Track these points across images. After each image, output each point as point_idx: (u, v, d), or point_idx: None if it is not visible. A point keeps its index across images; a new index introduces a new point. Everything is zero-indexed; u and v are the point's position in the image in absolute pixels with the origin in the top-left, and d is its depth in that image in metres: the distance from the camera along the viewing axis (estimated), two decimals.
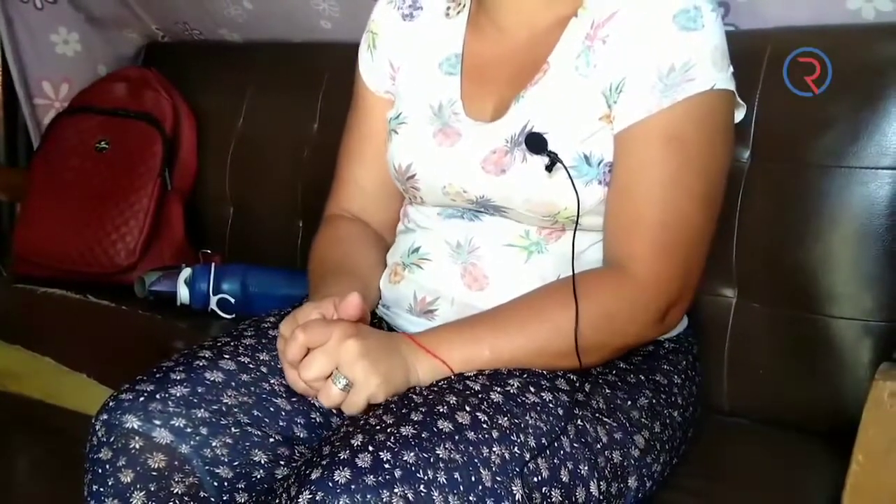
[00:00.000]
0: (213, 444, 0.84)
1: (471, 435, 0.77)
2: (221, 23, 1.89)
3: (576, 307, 0.86)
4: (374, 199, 1.13)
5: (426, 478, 0.72)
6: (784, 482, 1.03)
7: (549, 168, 0.90)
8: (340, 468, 0.71)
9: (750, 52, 1.17)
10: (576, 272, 0.90)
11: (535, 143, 0.91)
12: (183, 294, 1.58)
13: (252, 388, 0.89)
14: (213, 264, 1.61)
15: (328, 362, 0.82)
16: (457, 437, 0.76)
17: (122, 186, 1.75)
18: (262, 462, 0.86)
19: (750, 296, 1.21)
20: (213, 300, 1.56)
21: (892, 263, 1.11)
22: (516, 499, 0.76)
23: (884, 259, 1.11)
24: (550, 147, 0.90)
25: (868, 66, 1.15)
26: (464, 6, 1.06)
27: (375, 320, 1.05)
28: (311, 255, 1.09)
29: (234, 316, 1.55)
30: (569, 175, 0.90)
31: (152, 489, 0.82)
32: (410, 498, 0.70)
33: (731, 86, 0.93)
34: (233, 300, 1.56)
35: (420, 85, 1.06)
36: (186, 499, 0.83)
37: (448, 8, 1.08)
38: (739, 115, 0.99)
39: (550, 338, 0.87)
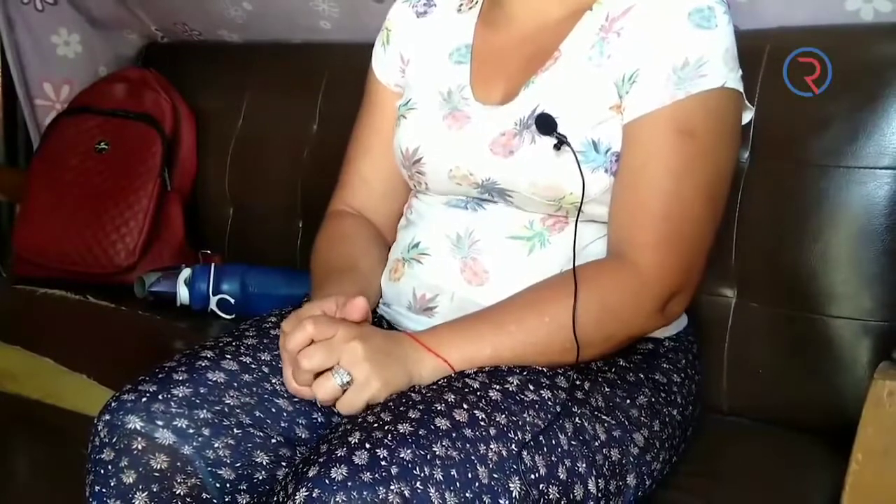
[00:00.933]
0: (216, 445, 0.84)
1: (468, 432, 0.77)
2: (221, 24, 1.88)
3: (574, 298, 0.87)
4: (378, 195, 1.13)
5: (423, 475, 0.72)
6: (783, 481, 1.03)
7: (557, 147, 0.90)
8: (337, 465, 0.71)
9: (749, 52, 1.16)
10: (578, 265, 0.90)
11: (545, 123, 0.91)
12: (183, 294, 1.58)
13: (254, 389, 0.89)
14: (212, 265, 1.61)
15: (329, 357, 0.82)
16: (454, 435, 0.76)
17: (121, 187, 1.75)
18: (264, 463, 0.86)
19: (749, 295, 1.21)
20: (213, 301, 1.56)
21: (890, 263, 1.11)
22: (514, 496, 0.76)
23: (883, 259, 1.11)
24: (559, 129, 0.91)
25: (867, 66, 1.15)
26: (476, 2, 1.08)
27: (375, 318, 1.05)
28: (314, 251, 1.09)
29: (233, 316, 1.55)
30: (575, 157, 0.90)
31: (154, 490, 0.83)
32: (407, 495, 0.71)
33: (740, 87, 0.94)
34: (232, 300, 1.56)
35: (430, 74, 1.07)
36: (189, 500, 0.83)
37: (461, 4, 1.09)
38: (747, 117, 0.99)
39: (552, 333, 0.88)
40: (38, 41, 1.96)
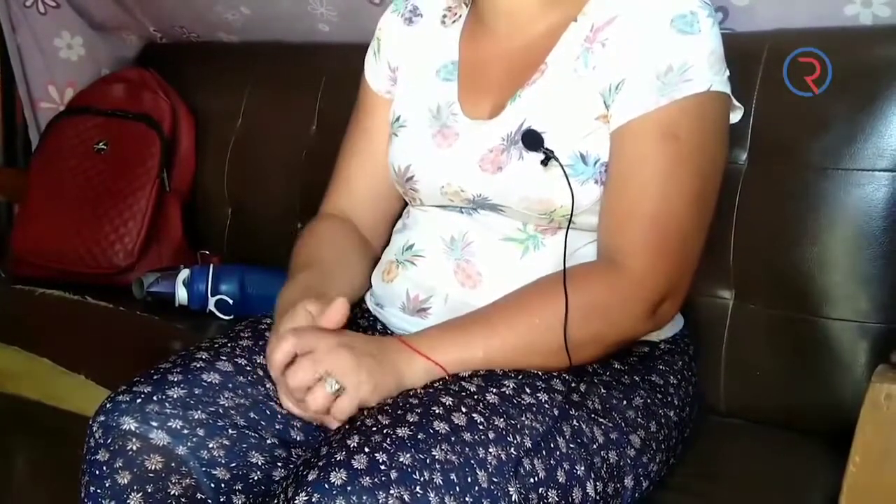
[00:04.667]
0: (210, 445, 0.84)
1: (467, 436, 0.77)
2: (219, 27, 1.89)
3: (566, 303, 0.87)
4: (363, 198, 1.13)
5: (422, 479, 0.72)
6: (781, 483, 1.03)
7: (544, 162, 0.91)
8: (337, 469, 0.71)
9: (747, 54, 1.17)
10: (569, 266, 0.90)
11: (531, 139, 0.92)
12: (181, 295, 1.58)
13: (249, 391, 0.89)
14: (211, 265, 1.61)
15: (314, 370, 0.81)
16: (453, 439, 0.76)
17: (120, 187, 1.75)
18: (259, 464, 0.86)
19: (747, 297, 1.21)
20: (212, 301, 1.56)
21: (888, 265, 1.11)
22: (513, 499, 0.76)
23: (880, 261, 1.11)
24: (547, 144, 0.91)
25: (865, 69, 1.15)
26: (460, 16, 1.08)
27: (371, 320, 1.05)
28: (293, 250, 1.09)
29: (232, 317, 1.55)
30: (564, 172, 0.90)
31: (149, 490, 0.83)
32: (406, 499, 0.71)
33: (727, 89, 0.94)
34: (231, 301, 1.56)
35: (418, 89, 1.07)
36: (183, 500, 0.83)
37: (444, 16, 1.09)
38: (736, 117, 0.99)
39: (542, 335, 0.88)
40: (42, 44, 1.97)
